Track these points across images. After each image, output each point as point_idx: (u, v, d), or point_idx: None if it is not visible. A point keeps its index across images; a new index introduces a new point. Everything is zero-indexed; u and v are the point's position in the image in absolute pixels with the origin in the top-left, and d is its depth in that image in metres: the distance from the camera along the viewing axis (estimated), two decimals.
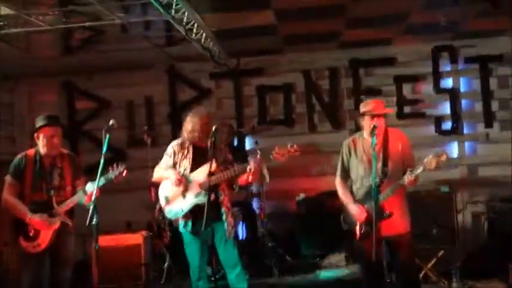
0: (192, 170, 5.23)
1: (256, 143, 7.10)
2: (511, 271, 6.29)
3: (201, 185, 5.11)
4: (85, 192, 4.92)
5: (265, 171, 6.81)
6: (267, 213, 7.17)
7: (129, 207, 7.86)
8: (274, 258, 6.68)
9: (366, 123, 5.12)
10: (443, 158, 4.95)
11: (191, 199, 5.19)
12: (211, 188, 5.01)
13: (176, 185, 5.19)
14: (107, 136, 4.86)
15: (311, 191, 7.68)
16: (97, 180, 4.73)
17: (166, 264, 6.42)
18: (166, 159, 5.38)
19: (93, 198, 4.61)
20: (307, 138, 8.16)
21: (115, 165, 4.94)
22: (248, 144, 8.01)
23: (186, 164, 5.28)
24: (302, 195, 7.57)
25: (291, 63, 8.19)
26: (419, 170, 4.96)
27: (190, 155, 5.28)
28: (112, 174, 4.91)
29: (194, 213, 5.19)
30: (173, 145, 5.42)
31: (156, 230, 6.86)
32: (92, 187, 4.84)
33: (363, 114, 5.16)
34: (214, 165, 5.08)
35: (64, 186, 5.07)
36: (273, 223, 7.44)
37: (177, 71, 8.38)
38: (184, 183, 5.19)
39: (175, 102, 8.38)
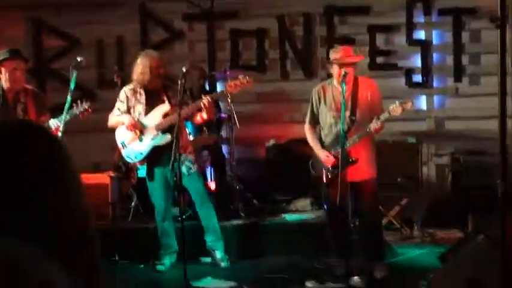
0: (147, 113, 5.24)
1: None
2: (470, 221, 6.48)
3: (157, 127, 5.12)
4: (49, 128, 4.88)
5: (234, 116, 6.83)
6: (237, 159, 7.20)
7: (98, 149, 7.78)
8: (241, 201, 6.75)
9: (335, 71, 5.16)
10: (409, 105, 5.06)
11: (149, 141, 5.24)
12: (168, 129, 5.05)
13: (130, 129, 5.21)
14: (75, 73, 4.84)
15: (281, 138, 7.71)
16: (63, 115, 4.69)
17: (133, 204, 6.45)
18: (120, 105, 5.44)
19: (59, 134, 4.58)
20: (279, 85, 8.14)
21: (79, 101, 4.90)
22: (219, 88, 7.95)
23: (140, 108, 5.32)
24: (272, 142, 7.60)
25: (266, 7, 8.05)
26: (385, 116, 5.04)
27: (143, 99, 5.30)
28: (77, 110, 4.89)
29: (153, 155, 5.23)
30: (125, 90, 5.47)
31: (123, 170, 6.85)
32: (56, 123, 4.80)
33: (332, 63, 5.19)
34: (168, 106, 5.11)
35: None
36: (242, 168, 7.46)
37: (149, 11, 8.20)
38: (139, 127, 5.21)
39: (146, 43, 8.23)
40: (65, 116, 4.76)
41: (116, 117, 5.43)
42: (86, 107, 4.94)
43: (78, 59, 4.90)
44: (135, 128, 5.27)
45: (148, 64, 5.27)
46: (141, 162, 5.42)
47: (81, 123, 7.86)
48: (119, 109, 5.43)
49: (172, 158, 4.69)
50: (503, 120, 3.90)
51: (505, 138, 3.96)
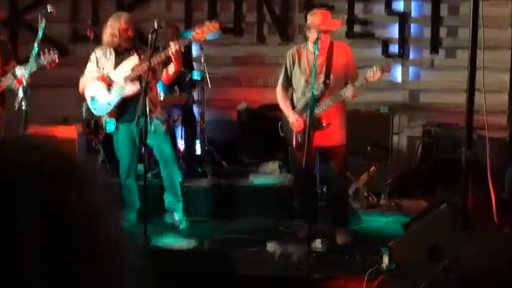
0: (115, 67, 5.19)
1: (201, 48, 6.97)
2: (439, 192, 6.55)
3: (125, 78, 5.07)
4: (15, 76, 4.77)
5: (206, 77, 6.77)
6: (208, 121, 7.15)
7: (69, 103, 7.65)
8: (210, 163, 6.73)
9: (312, 35, 5.10)
10: (387, 69, 5.02)
11: (117, 92, 5.20)
12: (136, 79, 5.02)
13: (99, 80, 5.18)
14: (43, 22, 4.73)
15: (254, 102, 7.67)
16: (29, 64, 4.59)
17: (100, 160, 6.38)
18: (90, 66, 5.43)
19: (24, 82, 4.48)
20: (255, 48, 8.06)
21: (47, 50, 4.80)
22: (195, 50, 7.84)
23: (109, 66, 5.28)
24: (244, 105, 7.56)
25: None
26: (361, 82, 5.02)
27: (112, 58, 5.26)
28: (44, 60, 4.78)
29: (120, 107, 5.20)
30: (96, 51, 5.44)
31: (92, 125, 6.77)
32: (21, 71, 4.70)
33: (310, 28, 5.13)
34: (137, 59, 5.07)
35: None
36: (213, 130, 7.42)
37: None
38: (107, 80, 5.18)
39: (122, 0, 8.07)
40: (31, 65, 4.64)
41: (85, 79, 5.40)
42: (54, 57, 4.83)
43: (48, 7, 4.77)
44: (103, 79, 5.23)
45: (117, 26, 5.23)
46: (110, 114, 5.36)
47: (53, 77, 7.80)
48: (89, 71, 5.37)
49: (139, 113, 4.63)
50: (472, 88, 3.91)
51: (472, 108, 3.98)
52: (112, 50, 5.32)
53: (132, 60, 5.21)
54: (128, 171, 5.31)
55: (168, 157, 5.42)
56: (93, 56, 5.44)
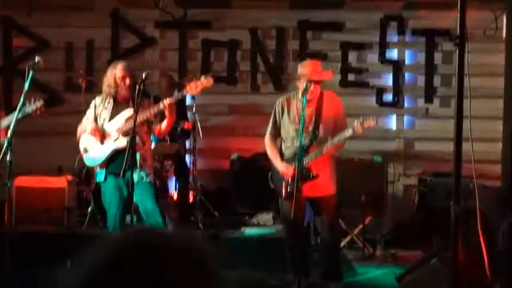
0: (110, 118, 5.16)
1: (193, 98, 6.97)
2: (435, 242, 6.42)
3: (118, 130, 5.04)
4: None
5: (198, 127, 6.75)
6: (201, 170, 7.10)
7: (62, 152, 7.62)
8: (202, 212, 6.64)
9: (302, 84, 5.07)
10: (373, 123, 4.97)
11: (110, 144, 5.17)
12: (128, 132, 4.98)
13: (93, 134, 5.16)
14: (31, 72, 4.73)
15: (247, 151, 7.61)
16: (14, 114, 4.56)
17: (89, 209, 6.29)
18: (89, 113, 5.40)
19: (9, 133, 4.45)
20: (249, 98, 8.06)
21: (33, 99, 4.78)
22: (188, 99, 7.84)
23: (105, 115, 5.27)
24: (236, 154, 7.51)
25: (239, 19, 8.00)
26: (348, 133, 4.96)
27: (110, 108, 5.25)
28: (29, 108, 4.77)
29: (111, 158, 5.16)
30: (96, 99, 5.42)
31: (84, 175, 6.72)
32: (7, 121, 4.67)
33: (300, 78, 5.12)
34: (131, 111, 5.04)
35: None
36: (206, 180, 7.37)
37: (121, 16, 8.09)
38: (100, 132, 5.15)
39: (117, 49, 8.12)
40: (16, 115, 4.61)
41: (81, 127, 5.40)
42: (39, 105, 4.81)
43: (36, 59, 4.77)
44: (96, 132, 5.20)
45: (113, 75, 5.18)
46: (101, 165, 5.33)
47: (47, 126, 7.80)
48: (87, 118, 5.37)
49: (123, 166, 4.58)
50: (459, 142, 3.85)
51: (460, 159, 3.91)
52: (111, 99, 5.29)
53: (127, 112, 5.17)
54: (115, 222, 5.22)
55: (149, 210, 5.29)
56: (92, 103, 5.43)
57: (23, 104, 4.66)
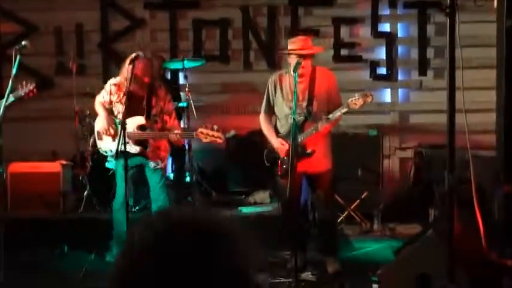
0: (125, 115, 5.10)
1: (186, 77, 6.92)
2: (431, 216, 6.43)
3: (129, 135, 5.03)
4: None
5: (192, 107, 6.72)
6: (196, 149, 7.06)
7: (55, 136, 7.62)
8: (199, 192, 6.63)
9: (293, 60, 5.03)
10: (369, 99, 4.93)
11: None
12: (139, 141, 5.03)
13: (104, 133, 5.20)
14: (18, 57, 4.69)
15: (242, 129, 7.57)
16: (3, 99, 4.52)
17: (85, 193, 6.28)
18: (104, 95, 5.41)
19: None
20: (242, 76, 8.01)
21: (24, 82, 4.77)
22: (181, 78, 7.80)
23: (120, 108, 5.28)
24: (232, 132, 7.46)
25: None
26: (343, 109, 4.92)
27: (124, 100, 5.20)
28: (22, 91, 4.75)
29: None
30: (111, 83, 5.43)
31: (78, 159, 6.69)
32: None
33: (290, 53, 5.07)
34: (143, 120, 5.05)
35: None
36: (202, 159, 7.34)
37: None
38: (113, 129, 5.23)
39: (106, 31, 8.04)
40: (6, 100, 4.57)
41: (98, 105, 5.41)
42: (31, 87, 4.79)
43: (23, 42, 4.72)
44: (108, 132, 5.25)
45: (133, 71, 5.08)
46: (111, 157, 5.40)
47: (40, 110, 7.75)
48: (103, 96, 5.41)
49: (117, 146, 4.59)
50: (452, 114, 3.83)
51: (453, 130, 3.90)
52: (126, 93, 5.23)
53: (140, 120, 5.16)
54: (121, 204, 5.25)
55: (159, 196, 5.42)
56: (108, 87, 5.41)
57: (13, 89, 4.62)
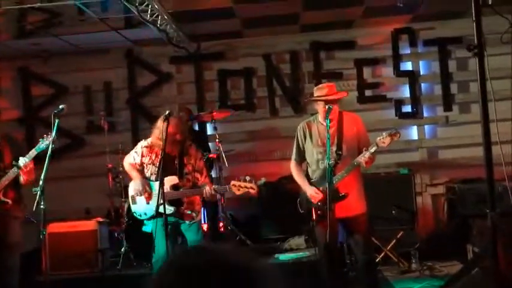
0: (162, 174, 5.18)
1: (215, 128, 7.02)
2: (469, 252, 6.35)
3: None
4: (18, 167, 4.81)
5: (223, 156, 6.79)
6: (228, 198, 7.11)
7: (88, 194, 7.76)
8: (234, 241, 6.64)
9: (320, 107, 5.12)
10: (396, 136, 4.96)
11: (154, 207, 5.20)
12: (173, 201, 5.11)
13: (139, 195, 5.26)
14: (57, 121, 4.82)
15: (272, 175, 7.61)
16: (45, 165, 4.63)
17: (123, 250, 6.32)
18: (135, 157, 5.42)
19: (40, 183, 4.52)
20: (269, 122, 8.12)
21: (44, 135, 4.91)
22: (209, 129, 7.91)
23: (153, 170, 5.32)
24: (263, 180, 7.46)
25: (252, 47, 8.11)
26: (373, 149, 4.96)
27: (157, 162, 5.25)
28: (43, 144, 4.86)
29: (156, 215, 5.22)
30: (142, 145, 5.44)
31: (113, 216, 6.76)
32: (24, 160, 4.78)
33: (316, 100, 5.15)
34: (176, 179, 5.14)
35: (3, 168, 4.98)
36: (234, 208, 7.40)
37: (136, 55, 8.23)
38: (148, 192, 5.23)
39: (134, 87, 8.24)
40: (47, 164, 4.66)
41: (129, 167, 5.41)
42: (51, 138, 4.92)
43: (60, 106, 4.87)
44: (145, 193, 5.28)
45: (165, 130, 5.15)
46: (147, 219, 5.42)
47: (72, 169, 7.90)
48: (134, 158, 5.41)
49: (156, 204, 4.65)
50: (488, 148, 3.83)
51: (491, 164, 3.88)
52: (159, 151, 5.31)
53: (173, 180, 5.21)
54: (162, 260, 5.26)
55: None
56: (139, 149, 5.41)
57: (52, 154, 4.74)
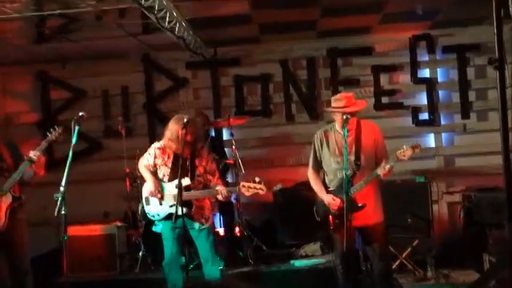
0: (171, 177, 5.21)
1: (232, 134, 7.05)
2: (485, 261, 6.32)
3: (175, 197, 5.12)
4: (31, 160, 5.02)
5: (239, 161, 6.81)
6: (244, 204, 7.14)
7: (106, 198, 7.83)
8: (250, 248, 6.67)
9: (338, 117, 5.12)
10: (417, 149, 4.96)
11: (166, 208, 5.27)
12: (185, 202, 5.10)
13: (151, 196, 5.29)
14: (77, 127, 4.87)
15: (288, 181, 7.65)
16: (65, 171, 4.67)
17: (140, 254, 6.38)
18: (148, 158, 5.46)
19: (61, 189, 4.57)
20: (285, 128, 8.13)
21: (52, 129, 5.18)
22: (225, 134, 7.95)
23: (165, 171, 5.36)
24: (279, 186, 7.54)
25: (269, 53, 8.13)
26: (392, 162, 4.95)
27: (170, 163, 5.29)
28: (52, 136, 5.14)
29: (168, 217, 5.25)
30: (155, 147, 5.48)
31: (131, 220, 6.82)
32: (36, 153, 4.96)
33: (334, 112, 5.16)
34: (188, 181, 5.13)
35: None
36: (250, 214, 7.42)
37: (152, 60, 8.28)
38: (160, 193, 5.27)
39: (151, 92, 8.30)
40: (67, 172, 4.70)
41: (144, 169, 5.46)
42: (59, 130, 5.20)
43: (80, 113, 4.92)
44: (155, 195, 5.30)
45: (176, 131, 5.20)
46: (159, 220, 5.47)
47: (89, 173, 7.96)
48: (147, 159, 5.46)
49: (175, 213, 4.69)
50: (507, 156, 3.79)
51: (510, 176, 3.84)
52: (172, 154, 5.34)
53: (185, 181, 5.23)
54: (171, 265, 5.30)
55: (208, 255, 5.42)
56: (152, 151, 5.45)
57: (72, 160, 4.78)
